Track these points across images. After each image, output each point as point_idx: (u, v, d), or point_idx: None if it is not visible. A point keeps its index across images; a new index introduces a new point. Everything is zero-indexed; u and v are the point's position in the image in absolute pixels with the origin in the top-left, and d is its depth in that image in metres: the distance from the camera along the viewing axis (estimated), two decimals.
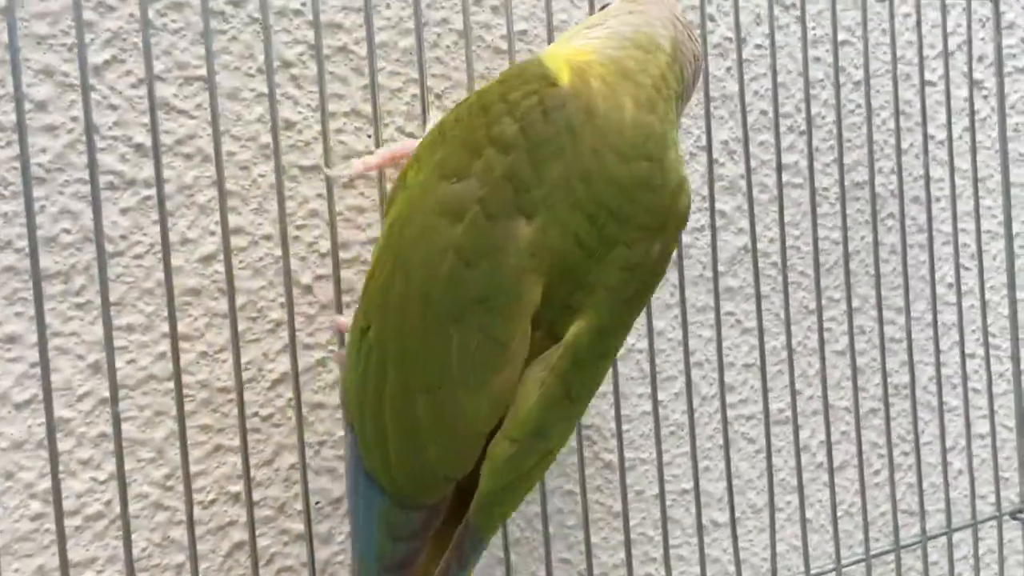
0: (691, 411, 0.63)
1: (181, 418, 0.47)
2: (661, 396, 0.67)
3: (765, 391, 0.65)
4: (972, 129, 0.75)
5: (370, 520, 0.42)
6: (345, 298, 0.56)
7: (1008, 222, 0.78)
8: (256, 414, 0.54)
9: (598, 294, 0.41)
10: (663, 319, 0.67)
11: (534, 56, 0.43)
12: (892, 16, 0.70)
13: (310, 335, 0.56)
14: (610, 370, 0.57)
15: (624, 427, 0.66)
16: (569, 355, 0.41)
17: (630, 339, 0.66)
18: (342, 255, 0.57)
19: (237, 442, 0.52)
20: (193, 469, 0.53)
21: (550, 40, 0.58)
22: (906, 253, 0.72)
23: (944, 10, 0.73)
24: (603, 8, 0.52)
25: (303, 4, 0.55)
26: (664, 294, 0.67)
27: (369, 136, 0.57)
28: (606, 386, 0.63)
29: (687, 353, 0.63)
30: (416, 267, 0.40)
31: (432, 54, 0.59)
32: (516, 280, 0.39)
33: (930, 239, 0.74)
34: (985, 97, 0.85)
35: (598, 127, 0.40)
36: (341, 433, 0.54)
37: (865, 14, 0.70)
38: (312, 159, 0.55)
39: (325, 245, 0.55)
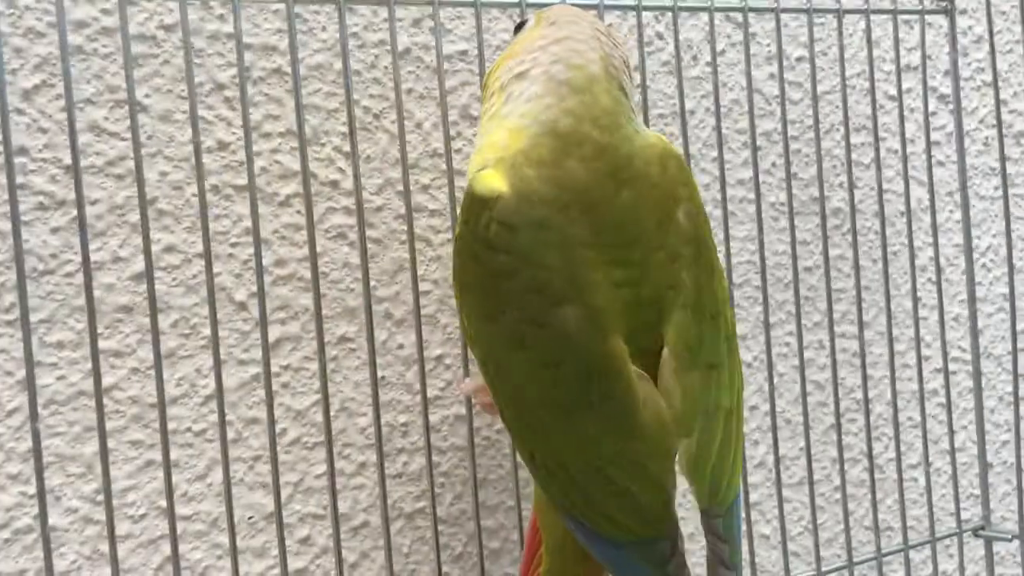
0: None
1: (102, 433, 0.48)
2: None
3: None
4: (927, 140, 0.75)
5: (636, 567, 0.47)
6: (280, 314, 0.57)
7: (967, 237, 0.78)
8: (189, 429, 0.55)
9: (670, 292, 0.46)
10: None
11: (470, 176, 0.47)
12: (840, 32, 0.70)
13: (245, 351, 0.57)
14: None
15: None
16: (680, 349, 0.46)
17: None
18: (278, 272, 0.58)
19: (172, 455, 0.54)
20: (124, 484, 0.54)
21: (482, 64, 0.58)
22: (859, 268, 0.72)
23: (896, 24, 0.73)
24: (519, 27, 0.52)
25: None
26: None
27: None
28: None
29: None
30: (535, 395, 0.45)
31: (370, 75, 0.60)
32: (597, 350, 0.44)
33: (884, 254, 0.73)
34: (952, 112, 0.84)
35: (562, 200, 0.44)
36: (267, 453, 0.55)
37: (811, 30, 0.70)
38: (246, 178, 0.56)
39: (263, 261, 0.55)
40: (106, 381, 0.53)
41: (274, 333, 0.57)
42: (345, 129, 0.59)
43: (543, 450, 0.46)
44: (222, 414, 0.51)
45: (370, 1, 0.56)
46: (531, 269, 0.44)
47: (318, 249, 0.59)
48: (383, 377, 0.60)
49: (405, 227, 0.61)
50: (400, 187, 0.61)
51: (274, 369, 0.57)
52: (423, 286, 0.62)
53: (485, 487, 0.63)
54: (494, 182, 0.45)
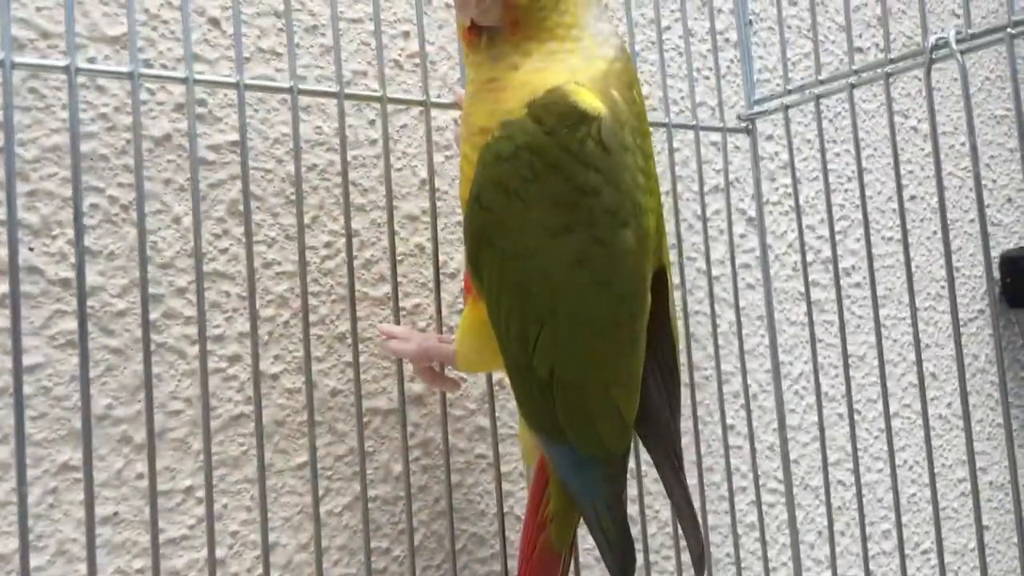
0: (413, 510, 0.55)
1: None
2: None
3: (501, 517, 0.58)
4: (733, 263, 0.72)
5: (594, 487, 0.49)
6: None
7: (775, 362, 0.75)
8: None
9: (662, 222, 0.51)
10: (379, 400, 0.60)
11: (558, 88, 0.45)
12: (670, 143, 0.68)
13: None
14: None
15: None
16: (670, 278, 0.52)
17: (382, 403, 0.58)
18: None
19: None
20: None
21: (244, 155, 0.52)
22: (695, 399, 0.67)
23: (698, 138, 0.71)
24: None
25: None
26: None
27: None
28: None
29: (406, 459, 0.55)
30: (580, 312, 0.46)
31: (119, 161, 0.53)
32: (641, 272, 0.47)
33: (719, 380, 0.69)
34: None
35: (632, 125, 0.47)
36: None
37: None
38: None
39: None
40: None
41: None
42: (83, 221, 0.51)
43: (566, 368, 0.47)
44: None
45: (110, 74, 0.49)
46: (612, 190, 0.45)
47: (41, 359, 0.50)
48: (116, 514, 0.51)
49: (154, 336, 0.53)
50: (149, 290, 0.53)
51: None
52: (174, 405, 0.53)
53: None
54: (593, 100, 0.45)
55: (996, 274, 1.05)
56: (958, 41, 0.58)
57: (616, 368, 0.48)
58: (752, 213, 0.82)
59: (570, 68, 0.46)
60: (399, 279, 0.61)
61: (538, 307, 0.46)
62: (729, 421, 0.78)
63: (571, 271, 0.45)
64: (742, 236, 0.82)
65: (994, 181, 1.08)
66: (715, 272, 0.78)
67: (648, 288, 0.48)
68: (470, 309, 0.51)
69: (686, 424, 0.72)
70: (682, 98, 0.78)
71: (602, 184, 0.45)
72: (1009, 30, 0.55)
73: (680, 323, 0.68)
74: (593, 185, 0.45)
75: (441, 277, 0.62)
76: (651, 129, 0.70)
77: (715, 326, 0.69)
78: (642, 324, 0.48)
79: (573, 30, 0.47)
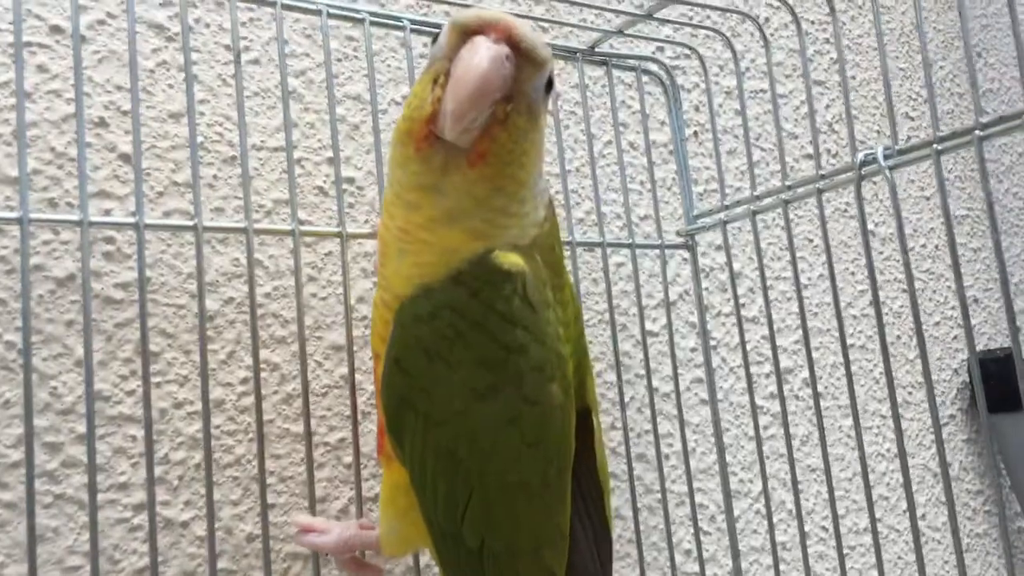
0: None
1: None
2: None
3: None
4: (675, 380, 0.69)
5: None
6: None
7: (725, 481, 0.72)
8: None
9: (585, 359, 0.50)
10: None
11: (482, 255, 0.44)
12: (606, 262, 0.66)
13: None
14: None
15: None
16: (597, 416, 0.51)
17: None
18: None
19: None
20: None
21: (142, 293, 0.50)
22: (637, 518, 0.64)
23: (634, 256, 0.69)
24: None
25: None
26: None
27: None
28: None
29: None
30: (512, 476, 0.44)
31: (17, 304, 0.51)
32: (569, 425, 0.46)
33: (664, 502, 0.66)
34: (714, 347, 0.81)
35: (552, 282, 0.47)
36: None
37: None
38: None
39: None
40: None
41: None
42: None
43: (498, 534, 0.44)
44: None
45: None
46: (538, 345, 0.44)
47: None
48: None
49: (52, 487, 0.50)
50: (47, 438, 0.50)
51: None
52: (71, 560, 0.50)
53: None
54: (515, 259, 0.44)
55: (965, 377, 1.02)
56: (886, 157, 0.56)
57: (547, 528, 0.45)
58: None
59: (507, 241, 0.44)
60: (324, 412, 0.59)
61: (466, 472, 0.44)
62: (687, 546, 0.75)
63: (500, 433, 0.43)
64: (693, 350, 0.79)
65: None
66: (666, 389, 0.76)
67: (572, 440, 0.46)
68: (387, 474, 0.48)
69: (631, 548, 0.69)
70: (625, 212, 0.76)
71: (529, 341, 0.43)
72: (935, 146, 0.54)
73: (621, 449, 0.66)
74: (520, 343, 0.43)
75: (369, 408, 0.60)
76: (590, 248, 0.70)
77: (658, 446, 0.67)
78: (568, 477, 0.46)
79: (521, 190, 0.45)
